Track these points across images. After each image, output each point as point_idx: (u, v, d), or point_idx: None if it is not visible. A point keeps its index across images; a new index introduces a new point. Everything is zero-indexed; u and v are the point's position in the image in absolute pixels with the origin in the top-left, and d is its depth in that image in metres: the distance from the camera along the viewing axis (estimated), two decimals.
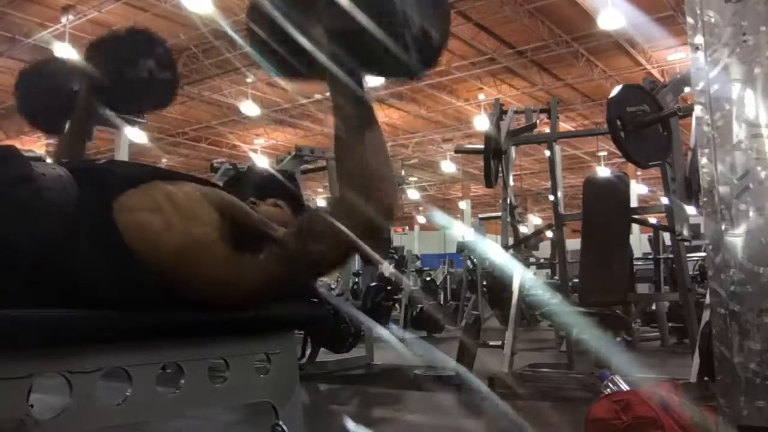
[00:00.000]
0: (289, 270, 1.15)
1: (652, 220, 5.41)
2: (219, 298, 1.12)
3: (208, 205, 1.14)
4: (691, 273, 5.59)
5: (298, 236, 1.15)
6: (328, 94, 1.17)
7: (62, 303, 0.98)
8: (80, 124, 1.77)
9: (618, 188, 4.11)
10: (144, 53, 1.72)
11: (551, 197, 4.71)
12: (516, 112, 4.88)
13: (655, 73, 11.80)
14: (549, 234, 6.45)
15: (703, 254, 5.56)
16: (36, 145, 11.76)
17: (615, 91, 3.52)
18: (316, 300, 1.38)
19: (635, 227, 8.24)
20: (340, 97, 1.14)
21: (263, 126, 16.49)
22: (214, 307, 1.12)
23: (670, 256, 5.81)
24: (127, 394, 1.01)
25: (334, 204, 1.16)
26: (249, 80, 13.23)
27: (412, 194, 21.73)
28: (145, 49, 1.73)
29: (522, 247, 5.50)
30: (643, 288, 6.78)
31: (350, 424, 2.86)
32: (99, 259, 1.02)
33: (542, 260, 8.77)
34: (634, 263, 6.03)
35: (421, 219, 24.95)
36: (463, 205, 22.49)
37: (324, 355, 4.63)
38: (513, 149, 4.68)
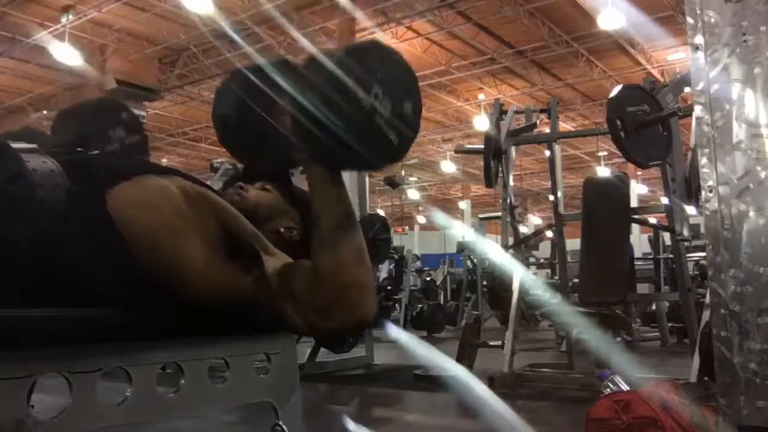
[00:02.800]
0: (270, 307, 1.08)
1: (652, 220, 5.40)
2: (203, 298, 1.09)
3: (201, 203, 1.13)
4: (691, 273, 5.59)
5: (277, 288, 1.07)
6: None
7: (58, 299, 0.98)
8: None
9: (618, 188, 4.12)
10: (112, 122, 1.62)
11: (551, 197, 4.71)
12: (516, 112, 4.88)
13: (655, 73, 11.81)
14: (549, 234, 6.46)
15: (703, 254, 5.56)
16: None
17: (615, 91, 3.52)
18: None
19: (635, 227, 8.25)
20: (321, 190, 1.04)
21: None
22: (199, 306, 1.09)
23: (670, 256, 5.82)
24: (127, 394, 1.01)
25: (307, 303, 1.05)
26: None
27: (412, 194, 21.73)
28: (113, 118, 1.63)
29: (522, 247, 5.50)
30: (643, 288, 6.78)
31: (350, 424, 2.86)
32: (93, 253, 1.02)
33: (542, 260, 8.77)
34: (634, 263, 6.03)
35: (421, 219, 24.94)
36: (463, 205, 22.51)
37: (324, 355, 4.63)
38: (513, 149, 4.68)
